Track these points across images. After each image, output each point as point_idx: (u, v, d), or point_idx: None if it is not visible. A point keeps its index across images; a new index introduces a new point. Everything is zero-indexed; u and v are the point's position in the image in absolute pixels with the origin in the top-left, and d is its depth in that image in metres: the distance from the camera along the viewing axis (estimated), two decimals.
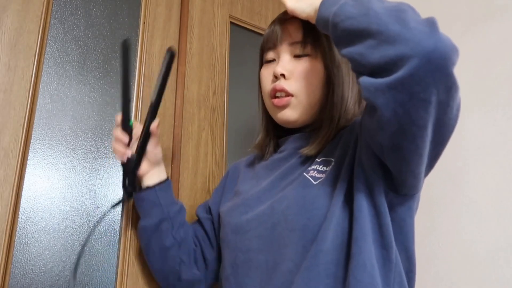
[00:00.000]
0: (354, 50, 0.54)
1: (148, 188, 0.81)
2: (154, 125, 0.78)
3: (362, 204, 0.62)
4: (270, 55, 0.79)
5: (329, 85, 0.74)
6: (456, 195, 1.14)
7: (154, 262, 0.82)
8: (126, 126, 0.78)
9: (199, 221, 0.89)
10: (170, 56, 0.74)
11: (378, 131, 0.56)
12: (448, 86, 0.51)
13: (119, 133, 0.78)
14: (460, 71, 1.40)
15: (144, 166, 0.81)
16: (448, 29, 1.45)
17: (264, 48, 0.81)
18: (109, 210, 0.84)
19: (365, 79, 0.53)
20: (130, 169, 0.79)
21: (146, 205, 0.81)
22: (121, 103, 0.76)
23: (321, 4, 0.62)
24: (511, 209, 1.08)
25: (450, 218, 1.14)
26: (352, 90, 0.75)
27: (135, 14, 1.01)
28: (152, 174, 0.82)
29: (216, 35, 1.14)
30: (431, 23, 0.51)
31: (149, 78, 0.98)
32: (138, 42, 1.00)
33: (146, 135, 0.78)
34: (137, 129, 0.80)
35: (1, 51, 0.80)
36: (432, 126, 0.54)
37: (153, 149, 0.81)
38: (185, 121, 1.02)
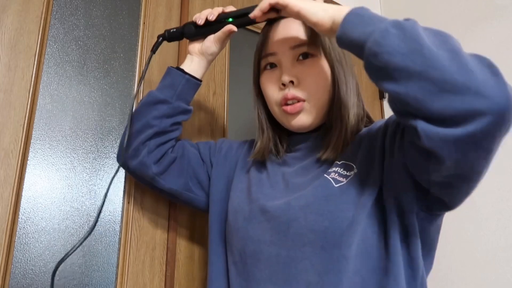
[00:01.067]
0: (405, 91, 0.50)
1: (182, 70, 0.81)
2: (228, 27, 0.79)
3: (393, 220, 0.62)
4: (269, 60, 0.76)
5: (335, 83, 0.73)
6: None
7: (131, 126, 0.80)
8: (225, 17, 0.79)
9: (196, 150, 0.87)
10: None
11: (432, 171, 0.55)
12: (506, 134, 0.51)
13: (218, 10, 0.79)
14: None
15: (195, 45, 0.83)
16: (448, 29, 1.46)
17: (262, 54, 0.77)
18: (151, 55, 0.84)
19: (426, 127, 0.49)
20: (187, 27, 0.82)
21: (167, 80, 0.81)
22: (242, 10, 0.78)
23: (346, 19, 0.58)
24: (511, 209, 1.08)
25: (450, 218, 1.14)
26: (352, 84, 0.75)
27: (135, 14, 1.01)
28: (194, 62, 0.83)
29: None
30: (495, 72, 0.49)
31: (149, 78, 0.98)
32: (138, 42, 1.00)
33: (216, 27, 0.80)
34: (221, 30, 0.81)
35: (1, 51, 0.80)
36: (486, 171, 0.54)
37: (211, 41, 0.81)
38: (185, 121, 1.02)
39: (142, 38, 1.00)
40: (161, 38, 0.85)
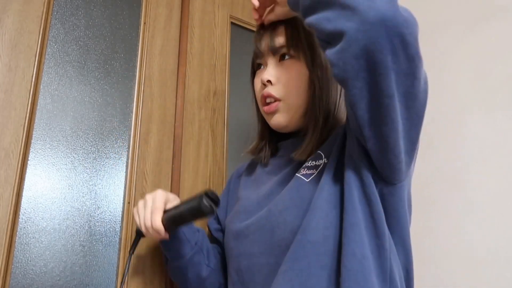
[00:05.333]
0: (317, 17, 0.57)
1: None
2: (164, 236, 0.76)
3: (353, 194, 0.61)
4: (258, 61, 0.81)
5: (311, 85, 0.74)
6: (456, 195, 1.14)
7: (190, 286, 0.82)
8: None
9: (212, 235, 0.90)
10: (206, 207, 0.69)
11: (353, 108, 0.56)
12: (410, 55, 0.52)
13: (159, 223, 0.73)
14: (460, 71, 1.41)
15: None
16: (448, 29, 1.46)
17: (254, 57, 0.82)
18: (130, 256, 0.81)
19: (328, 53, 0.55)
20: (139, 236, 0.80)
21: (175, 245, 0.79)
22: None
23: None
24: (511, 209, 1.08)
25: (450, 218, 1.14)
26: (338, 90, 0.75)
27: (136, 14, 1.01)
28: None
29: (217, 36, 1.14)
30: None
31: (150, 78, 0.98)
32: (138, 43, 1.00)
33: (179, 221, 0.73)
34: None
35: (1, 52, 0.81)
36: (402, 98, 0.54)
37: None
38: (185, 121, 1.02)
39: (142, 38, 1.00)
40: (138, 237, 0.81)
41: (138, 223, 0.76)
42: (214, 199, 0.70)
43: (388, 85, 0.53)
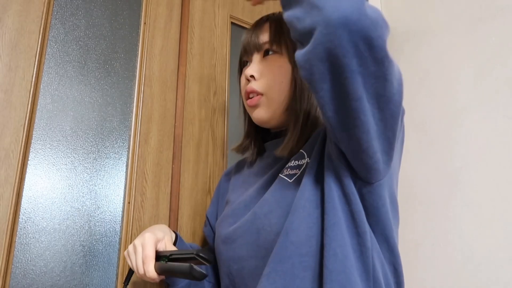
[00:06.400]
0: (291, 14, 0.56)
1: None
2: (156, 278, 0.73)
3: (333, 194, 0.61)
4: (244, 59, 0.82)
5: (294, 80, 0.74)
6: (456, 196, 1.14)
7: None
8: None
9: (209, 244, 0.91)
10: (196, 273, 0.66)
11: (322, 110, 0.55)
12: (378, 58, 0.50)
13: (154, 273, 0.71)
14: (460, 71, 1.41)
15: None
16: (448, 29, 1.46)
17: (240, 54, 0.84)
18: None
19: (296, 53, 0.54)
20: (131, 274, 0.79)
21: None
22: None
23: None
24: (511, 209, 1.08)
25: (449, 218, 1.14)
26: None
27: (136, 14, 1.01)
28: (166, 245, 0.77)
29: (217, 36, 1.14)
30: None
31: (150, 78, 0.99)
32: (138, 43, 1.00)
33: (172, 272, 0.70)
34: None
35: (2, 51, 0.81)
36: (373, 100, 0.53)
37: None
38: (185, 121, 1.02)
39: (142, 38, 1.00)
40: (132, 271, 0.79)
41: (130, 266, 0.75)
42: (206, 257, 0.68)
43: (355, 88, 0.51)
